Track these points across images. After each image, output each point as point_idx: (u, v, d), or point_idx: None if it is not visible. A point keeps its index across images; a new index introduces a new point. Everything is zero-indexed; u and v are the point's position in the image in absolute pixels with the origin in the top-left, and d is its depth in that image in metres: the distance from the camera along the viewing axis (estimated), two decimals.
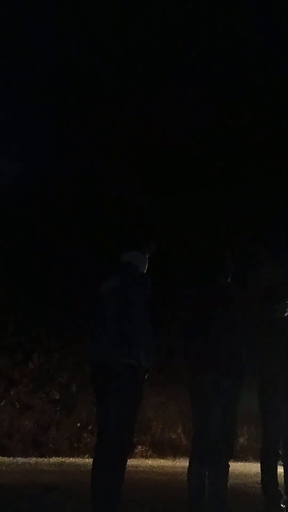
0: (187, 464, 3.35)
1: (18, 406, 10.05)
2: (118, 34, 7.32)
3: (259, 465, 3.86)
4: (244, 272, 6.57)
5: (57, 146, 8.43)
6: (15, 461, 8.67)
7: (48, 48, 8.02)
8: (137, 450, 12.12)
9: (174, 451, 12.28)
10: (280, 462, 3.76)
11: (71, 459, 10.03)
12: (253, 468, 6.78)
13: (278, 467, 3.78)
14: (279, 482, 3.69)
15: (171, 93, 7.60)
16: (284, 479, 3.68)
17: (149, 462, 10.82)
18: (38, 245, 8.98)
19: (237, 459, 10.36)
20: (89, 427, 11.00)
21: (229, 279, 3.57)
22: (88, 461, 7.09)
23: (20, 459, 9.03)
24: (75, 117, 8.23)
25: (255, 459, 8.88)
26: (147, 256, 3.39)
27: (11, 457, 9.25)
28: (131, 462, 3.36)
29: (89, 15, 7.60)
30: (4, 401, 9.79)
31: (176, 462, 11.01)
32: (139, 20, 7.17)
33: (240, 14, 6.96)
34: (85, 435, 10.98)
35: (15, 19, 7.75)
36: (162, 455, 12.41)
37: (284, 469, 3.72)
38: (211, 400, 3.19)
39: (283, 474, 3.73)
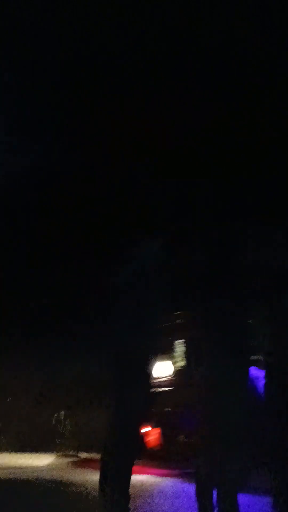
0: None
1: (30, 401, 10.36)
2: (118, 32, 7.41)
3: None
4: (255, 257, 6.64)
5: (61, 141, 8.49)
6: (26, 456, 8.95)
7: (48, 46, 8.07)
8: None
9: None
10: None
11: (80, 453, 10.32)
12: None
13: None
14: None
15: (171, 90, 7.69)
16: None
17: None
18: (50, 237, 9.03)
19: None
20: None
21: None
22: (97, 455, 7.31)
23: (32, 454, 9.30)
24: (76, 114, 8.29)
25: None
26: (162, 244, 3.52)
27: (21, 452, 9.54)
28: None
29: (89, 14, 7.64)
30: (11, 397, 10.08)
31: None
32: (139, 19, 7.25)
33: (240, 14, 7.03)
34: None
35: (16, 18, 7.79)
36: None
37: None
38: (221, 398, 3.29)
39: None
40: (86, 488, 5.55)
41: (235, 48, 7.51)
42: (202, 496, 3.26)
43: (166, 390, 10.43)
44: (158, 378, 10.83)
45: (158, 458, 9.65)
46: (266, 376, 3.96)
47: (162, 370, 11.05)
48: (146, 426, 10.57)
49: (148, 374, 3.27)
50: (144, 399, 3.26)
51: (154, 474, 8.11)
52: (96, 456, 9.49)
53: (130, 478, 3.24)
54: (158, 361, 11.17)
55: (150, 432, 10.66)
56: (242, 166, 7.70)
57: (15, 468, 7.86)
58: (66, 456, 10.20)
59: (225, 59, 7.39)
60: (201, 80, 7.64)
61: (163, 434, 10.59)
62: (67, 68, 8.00)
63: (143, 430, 10.47)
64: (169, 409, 10.17)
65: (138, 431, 3.25)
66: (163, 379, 10.94)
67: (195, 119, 7.53)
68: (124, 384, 3.17)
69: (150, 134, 7.77)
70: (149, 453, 10.09)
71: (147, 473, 8.06)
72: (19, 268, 9.37)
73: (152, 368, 3.40)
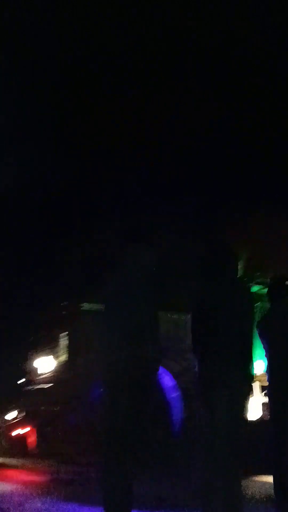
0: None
1: None
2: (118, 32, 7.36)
3: None
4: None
5: (59, 149, 8.47)
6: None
7: (48, 49, 8.03)
8: None
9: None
10: None
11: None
12: None
13: None
14: None
15: (171, 94, 7.63)
16: None
17: None
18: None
19: None
20: None
21: (238, 275, 3.58)
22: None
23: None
24: (75, 119, 8.26)
25: None
26: (155, 250, 3.49)
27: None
28: None
29: (89, 14, 7.61)
30: None
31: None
32: (139, 19, 7.19)
33: (240, 13, 6.99)
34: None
35: (16, 20, 7.74)
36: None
37: None
38: (220, 396, 3.15)
39: None
40: None
41: (235, 49, 7.47)
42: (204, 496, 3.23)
43: (45, 387, 9.55)
44: (39, 374, 10.04)
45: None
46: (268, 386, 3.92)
47: (43, 365, 10.06)
48: (25, 426, 9.96)
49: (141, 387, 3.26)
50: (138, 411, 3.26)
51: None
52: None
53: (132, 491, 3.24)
54: (40, 355, 10.72)
55: (28, 433, 9.95)
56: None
57: None
58: None
59: (225, 64, 7.32)
60: (201, 83, 7.60)
61: (39, 434, 9.88)
62: (66, 69, 7.97)
63: (22, 431, 9.90)
64: (45, 407, 9.27)
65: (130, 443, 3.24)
66: (43, 375, 10.00)
67: (193, 129, 7.46)
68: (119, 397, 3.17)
69: (146, 143, 7.74)
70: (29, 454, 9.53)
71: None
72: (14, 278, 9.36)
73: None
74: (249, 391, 3.30)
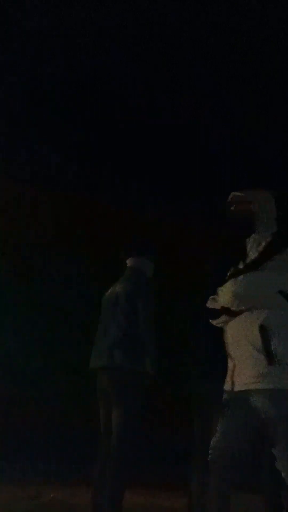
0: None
1: None
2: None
3: None
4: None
5: (60, 151, 8.40)
6: None
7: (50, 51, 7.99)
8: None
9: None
10: None
11: None
12: None
13: None
14: None
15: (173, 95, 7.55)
16: None
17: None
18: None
19: None
20: None
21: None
22: None
23: None
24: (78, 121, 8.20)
25: None
26: (153, 261, 3.39)
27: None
28: None
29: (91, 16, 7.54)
30: None
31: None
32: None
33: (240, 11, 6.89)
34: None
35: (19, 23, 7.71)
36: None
37: None
38: (213, 408, 3.05)
39: None
40: None
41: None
42: (194, 508, 3.11)
43: None
44: None
45: None
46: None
47: None
48: None
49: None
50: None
51: None
52: None
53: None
54: None
55: None
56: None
57: None
58: None
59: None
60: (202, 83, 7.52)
61: None
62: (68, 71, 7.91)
63: None
64: None
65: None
66: None
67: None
68: None
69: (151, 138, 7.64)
70: None
71: None
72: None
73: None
74: None
